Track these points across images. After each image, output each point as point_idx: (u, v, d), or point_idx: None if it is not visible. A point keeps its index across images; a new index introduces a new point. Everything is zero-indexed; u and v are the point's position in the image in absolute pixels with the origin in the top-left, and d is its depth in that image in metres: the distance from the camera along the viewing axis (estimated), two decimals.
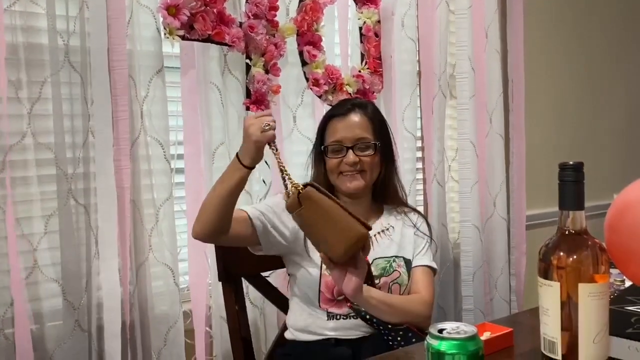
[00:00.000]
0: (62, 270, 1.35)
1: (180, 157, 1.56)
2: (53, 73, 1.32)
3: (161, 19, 1.43)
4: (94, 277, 1.40)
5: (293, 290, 1.40)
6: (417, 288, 1.37)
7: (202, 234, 1.24)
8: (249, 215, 1.29)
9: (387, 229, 1.42)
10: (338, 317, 1.31)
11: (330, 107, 1.53)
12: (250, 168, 1.19)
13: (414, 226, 1.44)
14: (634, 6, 2.92)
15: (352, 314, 1.30)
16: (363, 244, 1.12)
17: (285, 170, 1.16)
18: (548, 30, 2.54)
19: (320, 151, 1.40)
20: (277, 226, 1.32)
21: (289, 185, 1.14)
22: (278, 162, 1.17)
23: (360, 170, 1.36)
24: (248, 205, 1.43)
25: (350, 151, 1.35)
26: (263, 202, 1.41)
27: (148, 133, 1.45)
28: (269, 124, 1.15)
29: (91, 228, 1.40)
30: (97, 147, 1.35)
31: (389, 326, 1.27)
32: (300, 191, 1.11)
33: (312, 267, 1.33)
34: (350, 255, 1.12)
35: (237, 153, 1.20)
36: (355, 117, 1.37)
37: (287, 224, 1.32)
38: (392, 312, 1.26)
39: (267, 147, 1.19)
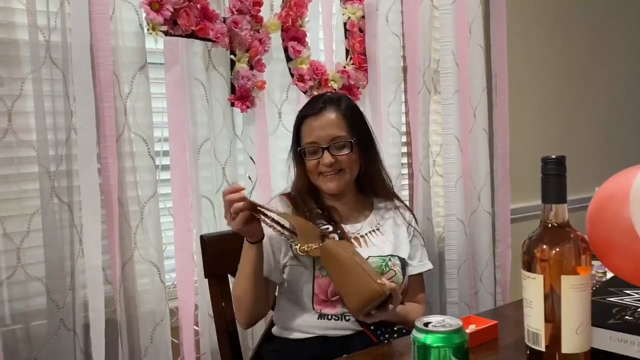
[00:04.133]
0: (45, 269, 1.34)
1: (165, 153, 1.55)
2: (34, 70, 1.30)
3: (144, 15, 1.41)
4: (78, 275, 1.39)
5: (284, 291, 1.37)
6: (416, 298, 1.41)
7: (250, 323, 1.36)
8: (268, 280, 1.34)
9: (379, 228, 1.41)
10: (330, 317, 1.30)
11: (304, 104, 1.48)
12: (257, 242, 1.24)
13: (409, 225, 1.45)
14: (615, 0, 2.96)
15: (346, 315, 1.29)
16: (378, 301, 1.15)
17: (282, 229, 1.20)
18: (531, 25, 2.57)
19: (299, 152, 1.39)
20: (276, 256, 1.35)
21: (298, 246, 1.19)
22: (272, 227, 1.20)
23: (339, 170, 1.35)
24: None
25: (327, 152, 1.33)
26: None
27: (132, 130, 1.44)
28: (230, 212, 1.17)
29: (75, 226, 1.38)
30: (80, 144, 1.33)
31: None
32: (318, 246, 1.15)
33: (304, 271, 1.30)
34: (366, 312, 1.17)
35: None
36: (329, 115, 1.35)
37: (279, 246, 1.35)
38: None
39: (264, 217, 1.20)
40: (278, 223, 1.22)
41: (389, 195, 1.47)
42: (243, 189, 1.19)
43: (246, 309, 1.31)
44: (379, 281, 1.15)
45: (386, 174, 1.47)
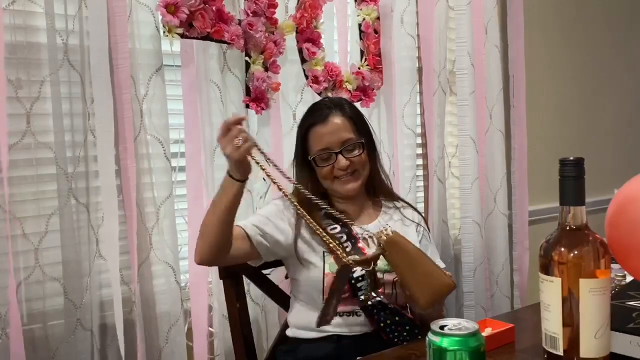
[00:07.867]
0: (63, 269, 1.35)
1: (181, 155, 1.56)
2: (52, 72, 1.31)
3: (160, 17, 1.43)
4: (94, 276, 1.40)
5: (296, 292, 1.38)
6: None
7: (205, 257, 1.24)
8: (246, 232, 1.29)
9: (389, 227, 1.41)
10: (342, 314, 1.30)
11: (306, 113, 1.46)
12: (243, 180, 1.19)
13: (418, 224, 1.44)
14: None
15: (357, 311, 1.30)
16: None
17: (271, 179, 1.16)
18: (548, 25, 2.54)
19: (305, 161, 1.38)
20: (273, 234, 1.32)
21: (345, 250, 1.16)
22: (266, 173, 1.17)
23: (353, 171, 1.36)
24: (243, 218, 1.43)
25: (340, 156, 1.34)
26: (257, 214, 1.39)
27: (148, 131, 1.45)
28: (239, 139, 1.13)
29: (92, 227, 1.40)
30: (99, 145, 1.35)
31: (397, 319, 1.28)
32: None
33: (313, 268, 1.32)
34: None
35: (227, 169, 1.20)
36: (336, 120, 1.35)
37: (283, 229, 1.33)
38: (420, 265, 1.17)
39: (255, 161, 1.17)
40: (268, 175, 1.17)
41: (391, 194, 1.48)
42: (245, 119, 1.19)
43: (209, 242, 1.23)
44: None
45: (384, 172, 1.48)
